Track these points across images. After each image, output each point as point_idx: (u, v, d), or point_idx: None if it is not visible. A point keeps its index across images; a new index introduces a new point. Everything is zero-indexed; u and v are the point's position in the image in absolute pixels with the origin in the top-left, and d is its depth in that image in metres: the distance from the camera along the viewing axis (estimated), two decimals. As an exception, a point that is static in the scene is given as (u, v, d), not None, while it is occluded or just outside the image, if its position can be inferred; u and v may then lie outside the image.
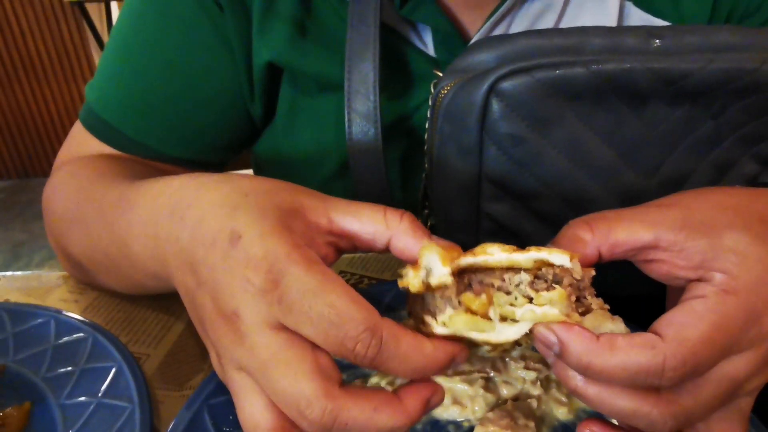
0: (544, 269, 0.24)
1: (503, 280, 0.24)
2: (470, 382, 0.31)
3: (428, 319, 0.23)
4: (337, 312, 0.21)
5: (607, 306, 0.24)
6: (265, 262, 0.22)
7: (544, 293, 0.23)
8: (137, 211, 0.30)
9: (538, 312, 0.23)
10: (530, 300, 0.23)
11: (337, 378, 0.22)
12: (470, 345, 0.24)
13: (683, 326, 0.23)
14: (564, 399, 0.32)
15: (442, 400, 0.24)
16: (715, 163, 0.37)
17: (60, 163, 0.48)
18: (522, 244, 0.35)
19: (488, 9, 0.39)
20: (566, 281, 0.23)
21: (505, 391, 0.31)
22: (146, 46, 0.43)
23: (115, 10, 2.34)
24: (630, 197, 0.37)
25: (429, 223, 0.43)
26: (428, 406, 0.24)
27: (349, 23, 0.39)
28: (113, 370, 0.33)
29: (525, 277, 0.24)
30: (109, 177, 0.39)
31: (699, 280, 0.25)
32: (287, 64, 0.42)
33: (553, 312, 0.23)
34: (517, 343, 0.25)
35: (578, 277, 0.23)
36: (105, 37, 2.22)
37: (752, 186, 0.38)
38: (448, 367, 0.23)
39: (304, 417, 0.21)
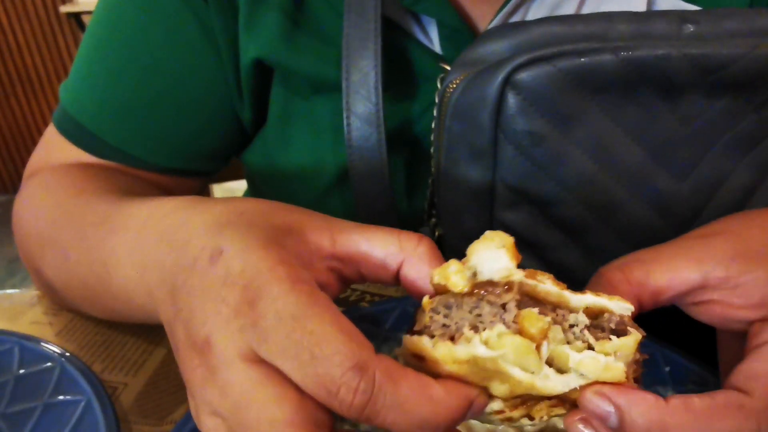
0: (605, 315, 0.20)
1: (556, 314, 0.19)
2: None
3: (467, 332, 0.18)
4: (319, 343, 0.17)
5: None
6: (242, 278, 0.18)
7: (613, 340, 0.19)
8: (122, 236, 0.27)
9: (602, 361, 0.18)
10: (588, 347, 0.19)
11: (325, 421, 0.18)
12: None
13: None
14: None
15: None
16: (757, 164, 0.33)
17: (31, 172, 0.44)
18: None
19: (499, 2, 0.36)
20: (625, 332, 0.19)
21: (530, 428, 0.27)
22: (125, 43, 0.40)
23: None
24: (660, 203, 0.33)
25: (436, 234, 0.39)
26: None
27: (345, 16, 0.36)
28: (81, 405, 0.29)
29: (582, 318, 0.19)
30: (89, 192, 0.35)
31: (764, 319, 0.21)
32: (278, 63, 0.39)
33: (617, 366, 0.18)
34: (529, 417, 0.20)
35: (642, 333, 0.19)
36: (102, 50, 2.21)
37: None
38: (462, 419, 0.18)
39: None
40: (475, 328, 0.19)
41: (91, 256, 0.30)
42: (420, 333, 0.20)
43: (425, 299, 0.21)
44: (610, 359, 0.19)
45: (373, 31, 0.36)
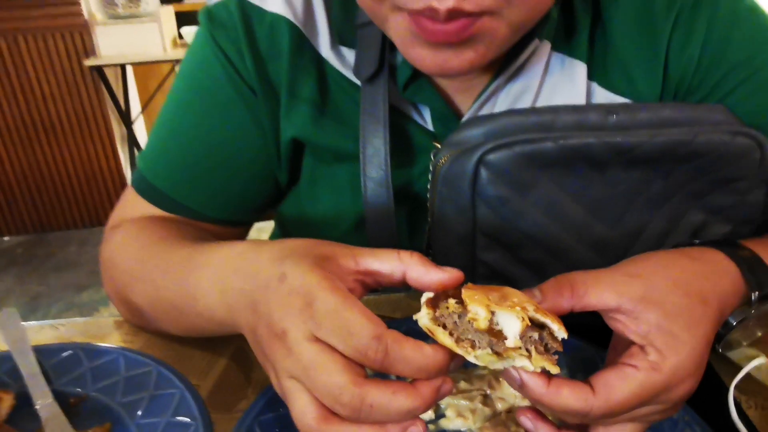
0: (546, 332, 0.30)
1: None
2: (471, 398, 0.38)
3: (466, 346, 0.29)
4: (352, 325, 0.28)
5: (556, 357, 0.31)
6: (302, 290, 0.29)
7: (541, 356, 0.29)
8: (206, 270, 0.38)
9: (530, 367, 0.29)
10: (528, 351, 0.29)
11: (362, 372, 0.29)
12: (468, 365, 0.31)
13: (612, 388, 0.30)
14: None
15: (452, 389, 0.30)
16: (668, 215, 0.45)
17: (114, 224, 0.55)
18: (513, 287, 0.42)
19: (476, 91, 0.48)
20: (552, 348, 0.30)
21: (500, 405, 0.38)
22: (192, 124, 0.51)
23: (130, 74, 2.48)
24: (599, 245, 0.45)
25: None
26: (439, 392, 0.29)
27: (361, 106, 0.48)
28: (177, 395, 0.40)
29: (535, 335, 0.29)
30: (170, 240, 0.46)
31: (639, 346, 0.32)
32: (309, 140, 0.50)
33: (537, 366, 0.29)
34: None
35: (560, 350, 0.30)
36: (121, 100, 2.35)
37: (700, 236, 0.46)
38: (446, 368, 0.29)
39: (338, 402, 0.28)
40: (472, 345, 0.29)
41: (180, 285, 0.41)
42: (437, 318, 0.30)
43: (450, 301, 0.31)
44: (539, 364, 0.29)
45: (382, 117, 0.47)
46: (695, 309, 0.33)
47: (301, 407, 0.29)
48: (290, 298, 0.30)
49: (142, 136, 2.68)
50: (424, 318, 0.30)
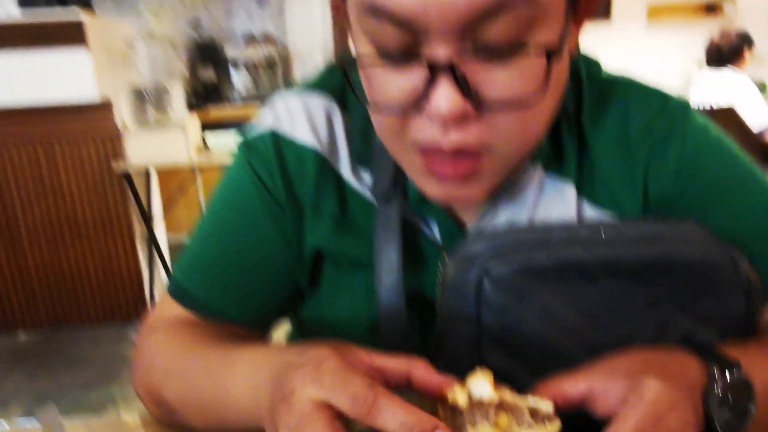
0: (540, 411, 0.36)
1: (513, 411, 0.36)
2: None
3: (469, 428, 0.34)
4: (349, 378, 0.34)
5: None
6: (316, 357, 0.36)
7: (545, 425, 0.35)
8: (242, 368, 0.44)
9: None
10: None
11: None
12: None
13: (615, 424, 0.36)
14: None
15: None
16: (657, 323, 0.49)
17: (151, 324, 0.60)
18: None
19: (478, 208, 0.54)
20: (552, 421, 0.36)
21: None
22: (224, 237, 0.57)
23: (154, 177, 2.61)
24: (594, 350, 0.48)
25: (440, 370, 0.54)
26: None
27: (377, 221, 0.53)
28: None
29: (527, 414, 0.36)
30: (204, 341, 0.51)
31: (622, 406, 0.37)
32: (329, 250, 0.56)
33: None
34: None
35: (556, 420, 0.35)
36: (145, 203, 2.46)
37: (690, 344, 0.50)
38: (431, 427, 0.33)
39: None
40: (472, 425, 0.35)
41: (215, 381, 0.46)
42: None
43: (439, 406, 0.37)
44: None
45: (395, 230, 0.53)
46: (658, 374, 0.39)
47: None
48: (304, 365, 0.36)
49: (161, 236, 2.78)
50: None
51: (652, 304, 0.49)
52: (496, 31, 0.38)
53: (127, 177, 2.30)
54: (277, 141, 0.55)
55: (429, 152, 0.44)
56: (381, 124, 0.46)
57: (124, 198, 2.41)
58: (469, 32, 0.39)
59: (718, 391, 0.41)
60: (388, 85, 0.42)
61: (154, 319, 0.60)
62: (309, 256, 0.57)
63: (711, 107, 2.83)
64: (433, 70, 0.40)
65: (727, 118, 2.73)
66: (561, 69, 0.45)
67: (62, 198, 2.39)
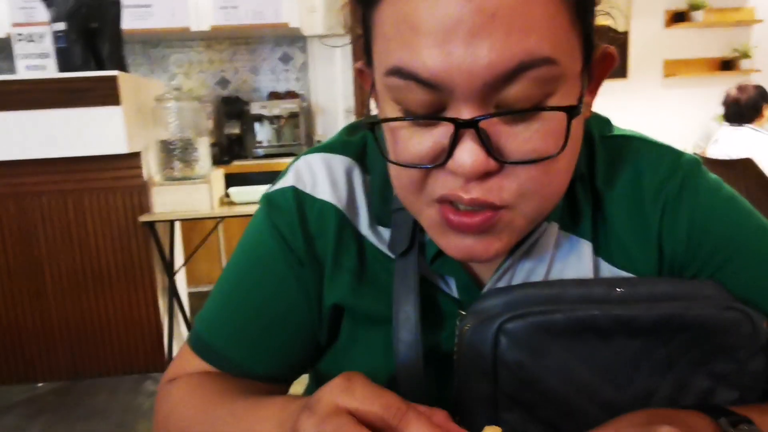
0: None
1: None
2: None
3: None
4: (383, 392, 0.38)
5: None
6: (343, 378, 0.39)
7: None
8: (270, 411, 0.47)
9: None
10: None
11: None
12: None
13: None
14: None
15: None
16: (674, 381, 0.49)
17: (170, 377, 0.61)
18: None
19: (495, 265, 0.55)
20: None
21: None
22: (246, 291, 0.58)
23: (177, 228, 2.67)
24: (610, 408, 0.48)
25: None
26: None
27: (395, 277, 0.55)
28: None
29: None
30: (228, 393, 0.53)
31: None
32: (348, 306, 0.57)
33: None
34: None
35: None
36: (167, 253, 2.51)
37: (708, 402, 0.50)
38: None
39: None
40: None
41: (241, 426, 0.48)
42: None
43: None
44: None
45: (413, 286, 0.54)
46: (672, 423, 0.41)
47: None
48: (333, 383, 0.39)
49: (182, 287, 2.80)
50: None
51: (669, 363, 0.49)
52: (517, 92, 0.40)
53: (152, 228, 2.35)
54: (298, 198, 0.57)
55: (448, 204, 0.45)
56: (402, 179, 0.47)
57: (147, 249, 2.46)
58: (491, 94, 0.41)
59: None
60: (412, 142, 0.44)
61: (175, 371, 0.61)
62: (328, 311, 0.58)
63: (729, 158, 2.83)
64: (458, 128, 0.42)
65: (746, 168, 2.72)
66: (578, 128, 0.46)
67: (88, 248, 2.44)
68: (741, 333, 0.48)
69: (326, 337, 0.60)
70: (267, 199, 0.60)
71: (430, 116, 0.43)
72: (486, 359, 0.48)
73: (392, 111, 0.45)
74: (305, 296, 0.58)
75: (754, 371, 0.50)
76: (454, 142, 0.42)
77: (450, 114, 0.42)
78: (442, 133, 0.43)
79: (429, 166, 0.44)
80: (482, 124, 0.41)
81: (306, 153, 0.61)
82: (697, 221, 0.53)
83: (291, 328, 0.58)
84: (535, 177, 0.43)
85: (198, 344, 0.60)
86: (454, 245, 0.47)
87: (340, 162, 0.59)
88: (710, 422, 0.42)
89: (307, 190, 0.58)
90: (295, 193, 0.58)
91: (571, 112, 0.42)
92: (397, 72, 0.42)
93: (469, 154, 0.41)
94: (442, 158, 0.43)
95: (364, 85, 0.52)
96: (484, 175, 0.43)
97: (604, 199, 0.56)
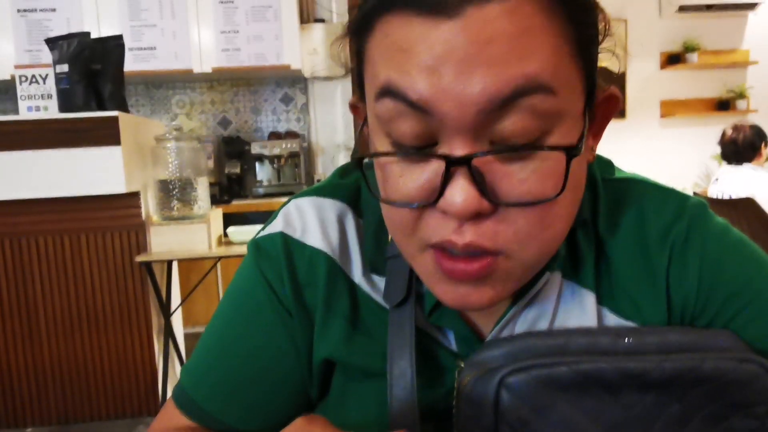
0: None
1: None
2: None
3: None
4: None
5: None
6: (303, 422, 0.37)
7: None
8: None
9: None
10: None
11: None
12: None
13: None
14: None
15: None
16: (687, 438, 0.46)
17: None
18: None
19: (496, 316, 0.52)
20: None
21: None
22: (232, 343, 0.56)
23: (175, 268, 2.64)
24: (620, 468, 0.45)
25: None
26: None
27: (389, 329, 0.51)
28: None
29: None
30: None
31: None
32: (339, 359, 0.54)
33: None
34: None
35: None
36: (164, 293, 2.47)
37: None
38: None
39: None
40: None
41: None
42: None
43: None
44: None
45: (408, 340, 0.50)
46: None
47: None
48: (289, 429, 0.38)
49: (178, 328, 2.76)
50: None
51: (684, 419, 0.46)
52: (513, 125, 0.38)
53: (149, 268, 2.33)
54: (287, 244, 0.55)
55: (442, 250, 0.43)
56: (394, 221, 0.45)
57: (143, 289, 2.42)
58: (485, 126, 0.39)
59: None
60: (403, 179, 0.42)
61: (159, 426, 0.58)
62: (319, 364, 0.55)
63: (731, 197, 2.82)
64: (449, 165, 0.39)
65: (747, 207, 2.71)
66: (580, 171, 0.44)
67: (83, 288, 2.41)
68: (759, 387, 0.45)
69: (317, 393, 0.57)
70: (255, 245, 0.57)
71: (421, 149, 0.41)
72: (487, 415, 0.45)
73: (383, 146, 0.43)
74: (294, 347, 0.55)
75: (773, 427, 0.47)
76: (446, 180, 0.40)
77: (442, 149, 0.40)
78: (433, 170, 0.41)
79: (419, 205, 0.42)
80: (475, 161, 0.39)
81: (296, 196, 0.59)
82: (708, 267, 0.51)
83: (278, 381, 0.55)
84: (531, 221, 0.41)
85: (181, 398, 0.57)
86: (449, 293, 0.44)
87: (331, 206, 0.57)
88: None
89: (297, 236, 0.55)
90: (284, 239, 0.55)
91: (571, 152, 0.40)
92: (386, 92, 0.40)
93: (460, 192, 0.39)
94: (433, 197, 0.41)
95: (358, 119, 0.50)
96: (478, 218, 0.41)
97: (608, 246, 0.53)
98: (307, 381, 0.56)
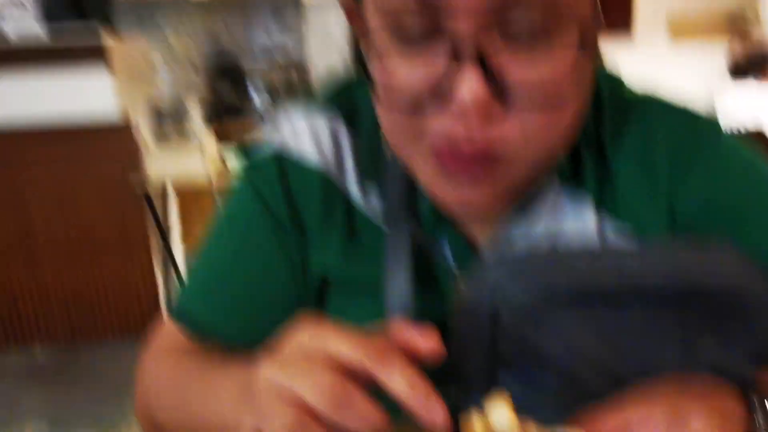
0: None
1: None
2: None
3: None
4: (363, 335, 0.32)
5: None
6: (310, 322, 0.34)
7: None
8: (231, 377, 0.43)
9: None
10: None
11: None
12: None
13: None
14: None
15: None
16: (685, 351, 0.45)
17: (152, 349, 0.58)
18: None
19: (493, 221, 0.50)
20: None
21: None
22: (228, 262, 0.55)
23: (172, 198, 2.63)
24: (616, 380, 0.45)
25: (454, 394, 0.51)
26: None
27: (386, 245, 0.50)
28: None
29: None
30: (207, 361, 0.50)
31: None
32: (335, 275, 0.53)
33: None
34: None
35: None
36: (162, 219, 2.47)
37: (720, 375, 0.47)
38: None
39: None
40: None
41: (205, 395, 0.45)
42: None
43: None
44: None
45: (405, 253, 0.50)
46: (699, 403, 0.38)
47: (281, 410, 0.30)
48: (297, 327, 0.35)
49: (178, 254, 2.78)
50: None
51: (681, 332, 0.46)
52: (524, 15, 0.36)
53: (146, 194, 2.31)
54: (281, 161, 0.54)
55: (444, 150, 0.41)
56: (394, 123, 0.43)
57: (142, 216, 2.42)
58: (496, 15, 0.36)
59: (760, 424, 0.38)
60: (405, 73, 0.40)
61: (156, 343, 0.58)
62: (315, 281, 0.54)
63: (740, 130, 2.77)
64: (458, 53, 0.37)
65: (757, 142, 2.66)
66: (587, 70, 0.42)
67: (81, 216, 2.41)
68: (762, 301, 0.44)
69: (313, 309, 0.57)
70: (248, 161, 0.56)
71: (425, 35, 0.38)
72: (483, 327, 0.45)
73: (384, 41, 0.40)
74: (288, 263, 0.54)
75: (771, 341, 0.46)
76: (454, 71, 0.38)
77: (449, 38, 0.38)
78: (439, 62, 0.38)
79: (424, 104, 0.40)
80: (484, 48, 0.37)
81: (289, 111, 0.56)
82: (715, 180, 0.49)
83: (273, 295, 0.55)
84: (539, 118, 0.40)
85: (178, 313, 0.56)
86: (451, 194, 0.43)
87: (325, 121, 0.54)
88: (736, 395, 0.39)
89: (291, 153, 0.54)
90: (278, 157, 0.54)
91: (582, 43, 0.38)
92: None
93: (470, 85, 0.37)
94: (439, 90, 0.39)
95: (353, 25, 0.47)
96: (486, 115, 0.39)
97: (611, 158, 0.51)
98: (303, 297, 0.55)
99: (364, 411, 0.29)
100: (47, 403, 2.15)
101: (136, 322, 2.54)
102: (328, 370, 0.30)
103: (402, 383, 0.30)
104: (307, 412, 0.30)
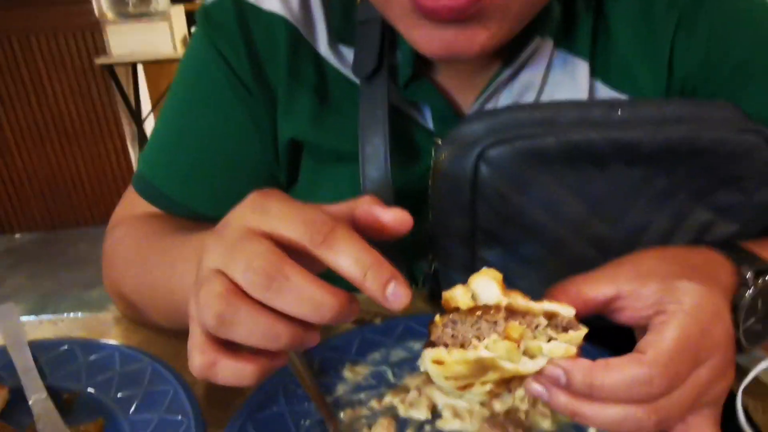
0: (558, 318, 0.29)
1: (525, 319, 0.29)
2: (469, 400, 0.37)
3: (474, 341, 0.28)
4: (304, 207, 0.28)
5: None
6: (258, 193, 0.29)
7: (570, 333, 0.28)
8: (191, 246, 0.40)
9: (563, 347, 0.28)
10: (549, 340, 0.28)
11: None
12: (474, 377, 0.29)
13: (657, 342, 0.30)
14: (548, 412, 0.38)
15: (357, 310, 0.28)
16: (672, 214, 0.44)
17: (115, 222, 0.55)
18: (510, 285, 0.42)
19: (478, 89, 0.47)
20: (574, 328, 0.29)
21: (498, 406, 0.38)
22: (189, 125, 0.51)
23: (141, 73, 2.49)
24: (600, 243, 0.44)
25: (432, 267, 0.49)
26: (351, 305, 0.27)
27: (360, 104, 0.47)
28: (171, 392, 0.39)
29: (543, 320, 0.29)
30: (165, 232, 0.47)
31: (657, 313, 0.31)
32: (307, 140, 0.50)
33: (572, 349, 0.28)
34: (508, 390, 0.30)
35: (586, 329, 0.29)
36: (131, 98, 2.36)
37: (706, 236, 0.45)
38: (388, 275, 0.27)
39: (251, 268, 0.26)
40: (478, 338, 0.28)
41: (166, 265, 0.42)
42: (435, 343, 0.28)
43: (437, 317, 0.30)
44: (568, 345, 0.28)
45: (381, 116, 0.46)
46: (686, 272, 0.34)
47: (211, 287, 0.27)
48: (243, 203, 0.30)
49: (152, 134, 2.69)
50: (425, 361, 0.29)
51: (668, 193, 0.43)
52: None
53: (112, 73, 2.19)
54: (240, 9, 0.48)
55: None
56: None
57: (110, 95, 2.31)
58: None
59: (750, 295, 0.36)
60: None
61: (119, 215, 0.55)
62: (285, 146, 0.51)
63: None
64: None
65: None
66: None
67: (45, 97, 2.29)
68: (756, 159, 0.42)
69: (286, 177, 0.53)
70: (204, 12, 0.49)
71: None
72: (463, 191, 0.42)
73: None
74: (255, 127, 0.50)
75: (760, 203, 0.44)
76: None
77: None
78: None
79: None
80: None
81: None
82: (718, 35, 0.45)
83: (240, 163, 0.51)
84: None
85: (140, 184, 0.53)
86: (432, 39, 0.38)
87: None
88: (729, 263, 0.37)
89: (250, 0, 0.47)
90: (236, 4, 0.48)
91: None
92: None
93: None
94: None
95: None
96: None
97: (608, 13, 0.47)
98: (273, 164, 0.52)
99: (300, 291, 0.26)
100: (32, 286, 2.17)
101: (114, 206, 2.51)
102: (264, 248, 0.26)
103: (348, 260, 0.26)
104: (236, 293, 0.26)
